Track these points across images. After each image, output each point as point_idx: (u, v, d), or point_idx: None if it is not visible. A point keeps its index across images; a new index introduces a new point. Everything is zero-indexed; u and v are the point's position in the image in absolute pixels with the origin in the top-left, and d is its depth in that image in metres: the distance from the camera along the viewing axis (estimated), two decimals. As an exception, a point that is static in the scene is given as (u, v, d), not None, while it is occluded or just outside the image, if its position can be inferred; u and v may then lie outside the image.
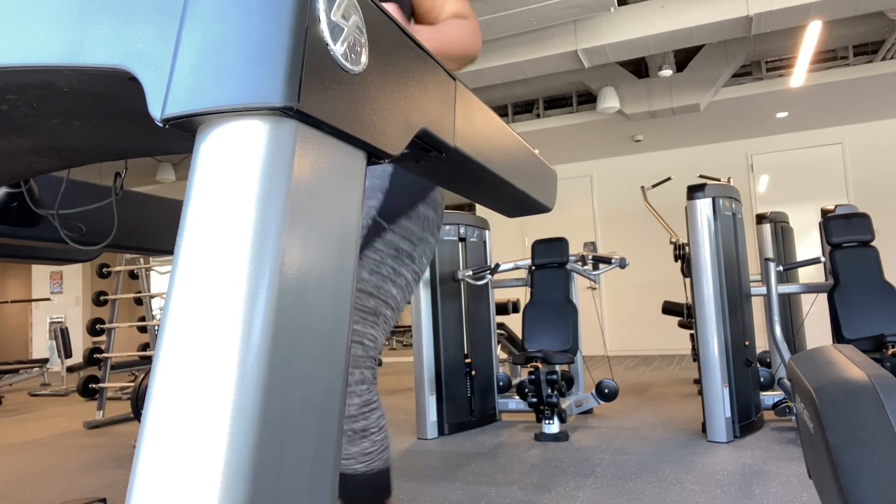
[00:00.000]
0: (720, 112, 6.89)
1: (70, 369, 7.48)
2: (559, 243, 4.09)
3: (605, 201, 8.74)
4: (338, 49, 0.44)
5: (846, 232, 3.43)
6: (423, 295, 3.83)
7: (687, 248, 3.57)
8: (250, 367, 0.39)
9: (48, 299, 9.10)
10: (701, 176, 4.68)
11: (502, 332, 5.17)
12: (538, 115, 7.28)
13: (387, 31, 0.51)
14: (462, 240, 4.12)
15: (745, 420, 3.29)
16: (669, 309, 5.28)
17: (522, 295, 4.45)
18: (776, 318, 3.42)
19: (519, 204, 0.87)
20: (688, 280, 3.46)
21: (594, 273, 4.01)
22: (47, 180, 1.19)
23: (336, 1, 0.44)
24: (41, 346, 11.61)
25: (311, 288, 0.44)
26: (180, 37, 0.41)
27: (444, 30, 1.18)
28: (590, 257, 4.03)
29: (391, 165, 1.16)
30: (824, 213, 3.80)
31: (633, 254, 8.41)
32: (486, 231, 4.36)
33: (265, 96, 0.40)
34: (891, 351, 2.95)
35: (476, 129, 0.68)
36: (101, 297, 5.26)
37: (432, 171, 0.69)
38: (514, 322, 6.65)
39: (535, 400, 3.51)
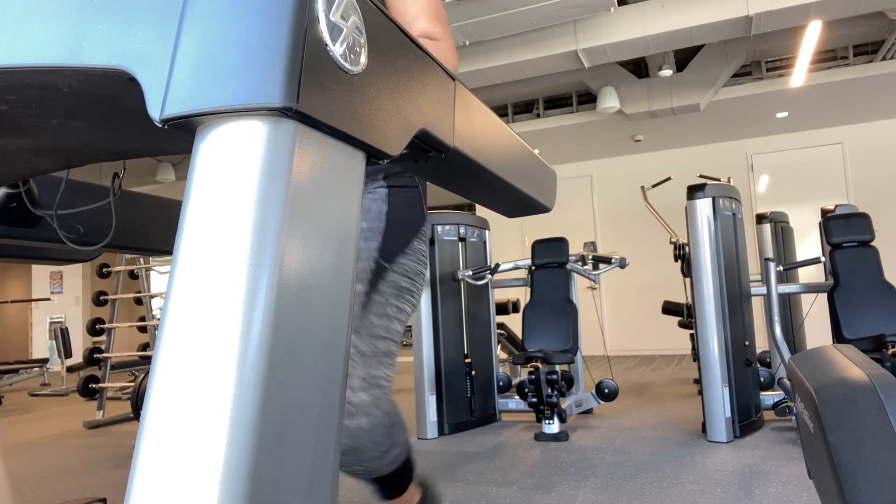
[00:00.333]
0: (720, 112, 6.89)
1: (70, 369, 7.48)
2: (559, 243, 4.09)
3: (605, 201, 8.74)
4: (337, 49, 0.44)
5: (846, 232, 3.43)
6: (424, 295, 3.83)
7: (687, 248, 3.57)
8: (249, 366, 0.39)
9: (48, 299, 9.10)
10: (701, 176, 4.67)
11: (502, 332, 5.17)
12: (538, 115, 7.28)
13: (386, 31, 0.51)
14: (462, 240, 4.12)
15: (745, 420, 3.29)
16: (669, 309, 5.28)
17: (522, 295, 4.45)
18: (776, 318, 3.42)
19: (519, 204, 0.87)
20: (688, 280, 3.46)
21: (594, 273, 4.01)
22: (47, 180, 1.19)
23: (335, 1, 0.44)
24: (41, 346, 11.61)
25: (311, 288, 0.44)
26: (179, 37, 0.41)
27: None
28: (590, 257, 4.03)
29: (386, 204, 1.19)
30: (824, 213, 3.80)
31: (633, 254, 8.41)
32: (486, 231, 4.36)
33: (264, 97, 0.40)
34: (891, 351, 2.95)
35: (475, 129, 0.68)
36: (101, 297, 5.26)
37: (432, 171, 0.69)
38: (514, 322, 6.65)
39: (535, 400, 3.51)
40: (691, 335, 5.24)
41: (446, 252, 3.99)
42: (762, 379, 3.60)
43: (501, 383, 4.21)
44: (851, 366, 0.91)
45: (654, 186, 5.25)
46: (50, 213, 1.16)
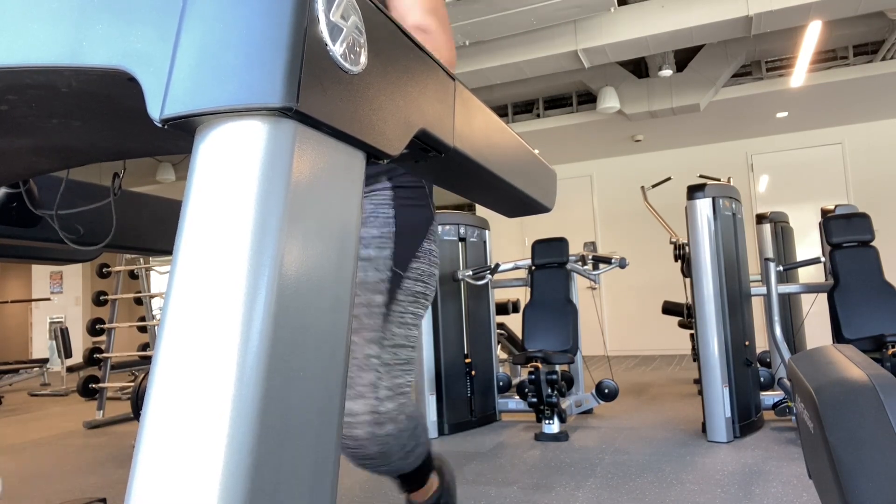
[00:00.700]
0: (720, 112, 6.89)
1: (70, 369, 7.48)
2: (559, 243, 4.09)
3: (605, 201, 8.74)
4: (337, 49, 0.44)
5: (846, 232, 3.43)
6: (423, 295, 3.83)
7: (687, 248, 3.57)
8: (249, 366, 0.39)
9: (48, 299, 9.10)
10: (701, 176, 4.67)
11: (502, 332, 5.17)
12: (538, 115, 7.28)
13: (386, 31, 0.51)
14: (462, 240, 4.12)
15: (745, 420, 3.29)
16: (669, 309, 5.28)
17: (522, 295, 4.45)
18: (776, 318, 3.42)
19: (519, 204, 0.87)
20: (688, 280, 3.46)
21: (594, 273, 4.01)
22: (47, 180, 1.19)
23: (335, 1, 0.44)
24: (41, 346, 11.61)
25: (311, 288, 0.44)
26: (179, 37, 0.41)
27: None
28: (590, 257, 4.03)
29: (392, 208, 1.19)
30: (824, 213, 3.80)
31: (633, 254, 8.41)
32: (486, 231, 4.36)
33: (264, 97, 0.40)
34: (891, 351, 2.95)
35: (475, 129, 0.68)
36: (101, 297, 5.26)
37: (431, 171, 0.69)
38: (514, 322, 6.65)
39: (535, 400, 3.51)
40: (691, 335, 5.24)
41: (446, 252, 3.99)
42: (762, 379, 3.60)
43: (501, 383, 4.21)
44: (851, 366, 0.91)
45: (654, 186, 5.25)
46: (50, 213, 1.16)
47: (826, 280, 3.61)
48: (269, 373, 0.39)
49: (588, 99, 7.10)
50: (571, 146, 8.04)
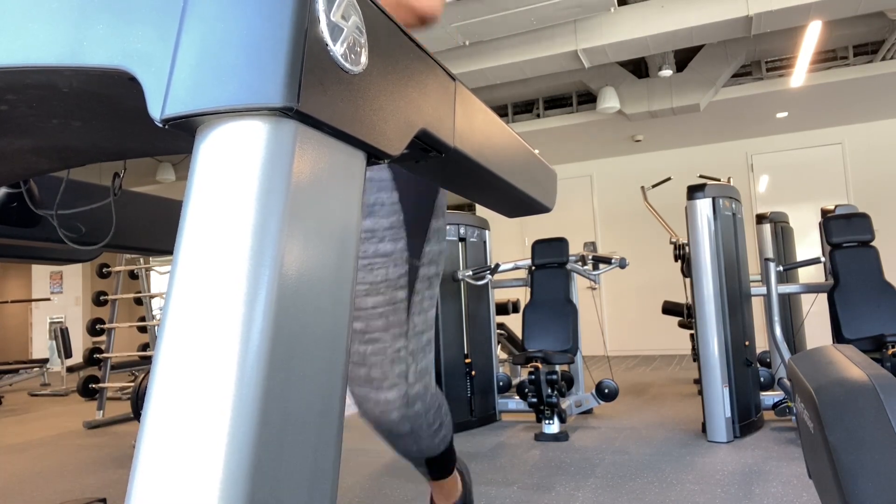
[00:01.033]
0: (720, 112, 6.89)
1: (70, 369, 7.48)
2: (559, 243, 4.09)
3: (605, 201, 8.74)
4: (337, 49, 0.44)
5: (846, 232, 3.43)
6: (423, 295, 3.83)
7: (687, 248, 3.57)
8: (250, 367, 0.39)
9: (48, 299, 9.10)
10: (701, 176, 4.68)
11: (502, 332, 5.17)
12: (538, 115, 7.28)
13: (387, 31, 0.51)
14: (462, 240, 4.12)
15: (745, 420, 3.30)
16: (669, 309, 5.28)
17: (522, 295, 4.45)
18: (776, 318, 3.42)
19: (519, 204, 0.87)
20: (688, 280, 3.46)
21: (594, 273, 4.01)
22: (47, 180, 1.19)
23: (336, 1, 0.44)
24: (41, 346, 11.61)
25: (311, 288, 0.44)
26: (180, 37, 0.41)
27: None
28: (590, 257, 4.03)
29: (396, 191, 1.19)
30: (824, 213, 3.80)
31: (633, 254, 8.41)
32: (486, 231, 4.36)
33: (265, 97, 0.40)
34: (891, 351, 2.95)
35: (476, 129, 0.68)
36: (101, 297, 5.26)
37: (432, 171, 0.69)
38: (514, 322, 6.65)
39: (535, 400, 3.51)
40: (691, 335, 5.24)
41: (446, 252, 3.99)
42: (762, 379, 3.60)
43: (501, 383, 4.21)
44: (851, 366, 0.91)
45: (654, 186, 5.25)
46: (50, 212, 1.16)
47: (826, 280, 3.61)
48: (269, 373, 0.39)
49: (588, 99, 7.10)
50: (571, 146, 8.05)
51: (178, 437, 0.38)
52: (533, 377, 3.50)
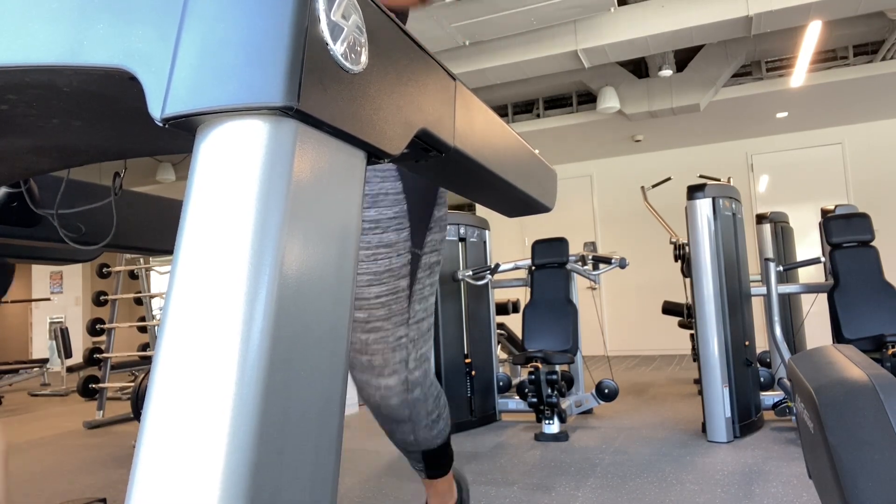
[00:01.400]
0: (720, 112, 6.89)
1: (70, 369, 7.48)
2: (559, 243, 4.09)
3: (605, 201, 8.74)
4: (338, 49, 0.44)
5: (846, 232, 3.43)
6: (423, 295, 3.82)
7: (687, 248, 3.57)
8: (250, 366, 0.39)
9: (48, 299, 9.10)
10: (701, 176, 4.68)
11: (502, 332, 5.17)
12: (538, 115, 7.28)
13: (387, 30, 0.51)
14: (462, 240, 4.12)
15: (745, 420, 3.29)
16: (669, 309, 5.28)
17: (522, 295, 4.45)
18: (776, 318, 3.42)
19: (519, 204, 0.87)
20: (688, 280, 3.46)
21: (594, 273, 4.01)
22: (47, 180, 1.19)
23: (336, 1, 0.44)
24: (41, 346, 11.61)
25: (311, 288, 0.44)
26: (180, 37, 0.41)
27: None
28: (590, 257, 4.03)
29: (399, 180, 1.19)
30: (824, 213, 3.80)
31: (633, 254, 8.41)
32: (486, 231, 4.36)
33: (265, 96, 0.40)
34: (891, 351, 2.95)
35: (476, 129, 0.68)
36: (101, 297, 5.26)
37: (432, 170, 0.69)
38: (514, 322, 6.65)
39: (535, 400, 3.51)
40: (691, 335, 5.24)
41: (446, 252, 3.99)
42: (762, 379, 3.60)
43: (501, 383, 4.21)
44: (851, 366, 0.91)
45: (654, 186, 5.25)
46: (51, 212, 1.16)
47: (826, 280, 3.61)
48: (269, 372, 0.39)
49: (588, 99, 7.10)
50: (571, 146, 8.04)
51: (178, 437, 0.38)
52: (533, 377, 3.50)
